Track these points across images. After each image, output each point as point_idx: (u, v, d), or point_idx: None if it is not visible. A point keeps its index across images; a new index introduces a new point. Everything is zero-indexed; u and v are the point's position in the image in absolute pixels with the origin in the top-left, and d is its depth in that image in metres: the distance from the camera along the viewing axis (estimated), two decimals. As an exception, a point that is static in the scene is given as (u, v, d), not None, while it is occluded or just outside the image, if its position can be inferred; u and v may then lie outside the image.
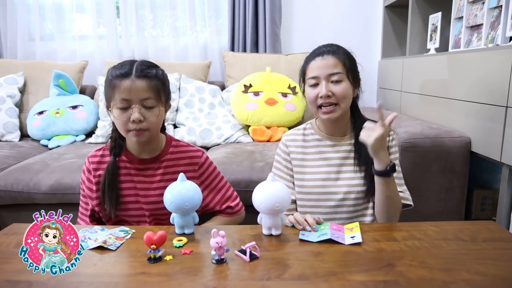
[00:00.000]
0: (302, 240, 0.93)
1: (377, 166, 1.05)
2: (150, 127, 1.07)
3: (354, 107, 1.20)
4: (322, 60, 1.12)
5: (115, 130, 1.15)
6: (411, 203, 1.18)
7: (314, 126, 1.25)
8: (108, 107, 1.10)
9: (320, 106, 1.13)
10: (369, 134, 1.02)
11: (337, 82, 1.11)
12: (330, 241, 0.92)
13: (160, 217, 1.16)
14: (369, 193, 1.16)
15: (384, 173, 1.05)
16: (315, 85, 1.13)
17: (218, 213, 1.25)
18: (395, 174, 1.10)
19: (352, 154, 1.18)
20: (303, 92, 1.20)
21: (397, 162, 1.19)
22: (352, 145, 1.19)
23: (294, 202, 1.23)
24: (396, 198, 1.11)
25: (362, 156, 1.15)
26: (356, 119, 1.20)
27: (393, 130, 1.21)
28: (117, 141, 1.15)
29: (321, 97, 1.11)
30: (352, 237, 0.93)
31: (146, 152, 1.16)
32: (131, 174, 1.16)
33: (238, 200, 1.28)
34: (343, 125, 1.20)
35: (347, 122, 1.20)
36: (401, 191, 1.17)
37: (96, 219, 1.22)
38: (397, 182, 1.15)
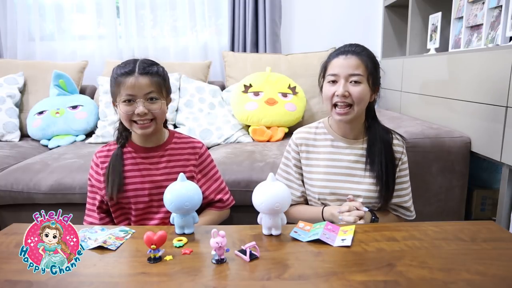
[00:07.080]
0: (293, 239, 0.94)
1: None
2: (155, 117, 1.16)
3: (369, 111, 1.19)
4: (345, 59, 1.11)
5: (121, 123, 1.23)
6: (411, 219, 1.24)
7: (326, 125, 1.24)
8: (114, 102, 1.20)
9: (335, 105, 1.13)
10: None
11: (356, 83, 1.10)
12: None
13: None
14: (378, 198, 1.17)
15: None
16: (334, 82, 1.13)
17: (208, 206, 1.31)
18: (405, 192, 1.20)
19: (363, 158, 1.17)
20: (321, 88, 1.19)
21: (408, 178, 1.22)
22: (364, 149, 1.18)
23: (301, 196, 1.25)
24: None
25: (374, 161, 1.15)
26: (371, 123, 1.19)
27: (403, 141, 1.21)
28: (123, 133, 1.24)
29: (337, 95, 1.11)
30: (342, 240, 0.92)
31: (150, 142, 1.24)
32: (137, 162, 1.23)
33: (229, 194, 1.36)
34: (357, 128, 1.19)
35: (361, 126, 1.19)
36: (408, 215, 1.23)
37: (104, 210, 1.27)
38: (402, 201, 1.21)
